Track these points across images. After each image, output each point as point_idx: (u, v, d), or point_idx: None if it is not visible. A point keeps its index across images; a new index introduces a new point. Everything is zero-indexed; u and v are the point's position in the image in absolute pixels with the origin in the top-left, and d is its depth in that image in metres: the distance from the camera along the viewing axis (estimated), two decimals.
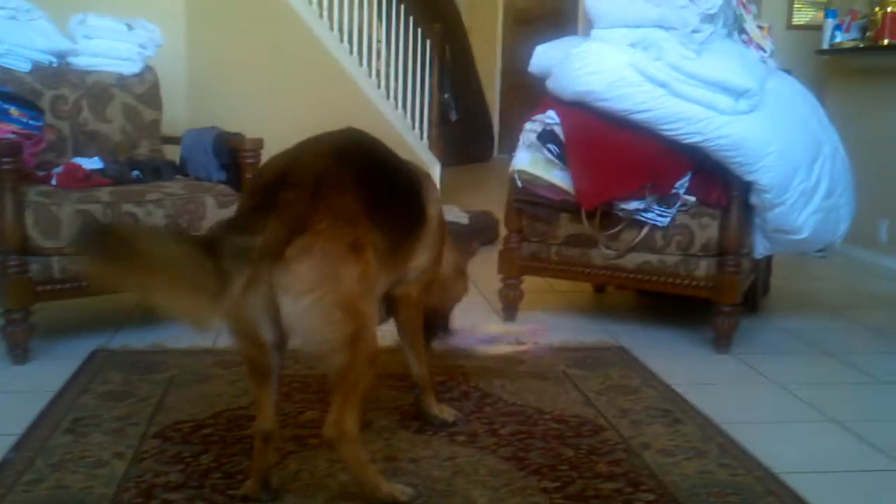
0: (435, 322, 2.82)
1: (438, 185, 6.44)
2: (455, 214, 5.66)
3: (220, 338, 3.40)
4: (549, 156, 3.63)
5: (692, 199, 3.52)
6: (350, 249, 1.98)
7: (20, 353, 3.15)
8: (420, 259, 2.44)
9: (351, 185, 2.07)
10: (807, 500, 2.23)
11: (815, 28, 6.14)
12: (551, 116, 3.66)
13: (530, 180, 3.69)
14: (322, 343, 2.00)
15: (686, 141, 3.41)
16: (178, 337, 3.34)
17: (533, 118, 3.75)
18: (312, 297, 1.92)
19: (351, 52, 6.56)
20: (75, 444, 2.43)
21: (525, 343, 3.12)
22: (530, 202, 3.77)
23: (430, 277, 2.57)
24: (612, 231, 3.62)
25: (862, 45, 5.58)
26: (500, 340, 3.07)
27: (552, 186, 3.65)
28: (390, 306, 2.51)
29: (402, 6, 6.82)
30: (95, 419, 2.62)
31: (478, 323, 3.19)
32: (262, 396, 2.13)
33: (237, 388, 2.89)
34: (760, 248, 3.69)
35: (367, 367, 2.05)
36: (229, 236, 1.86)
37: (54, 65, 3.97)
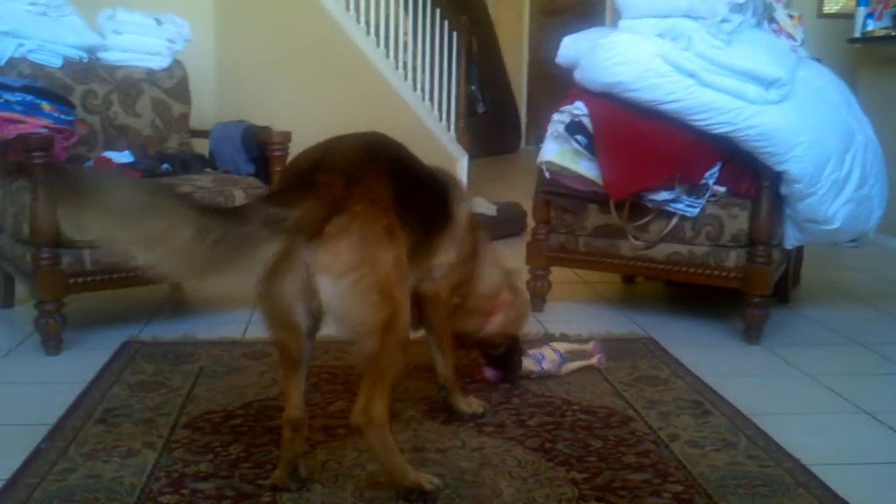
0: (512, 354, 2.88)
1: (465, 178, 6.46)
2: (483, 206, 5.66)
3: (249, 329, 3.43)
4: (578, 147, 3.62)
5: (722, 189, 3.50)
6: (386, 233, 2.00)
7: (53, 345, 3.19)
8: (446, 256, 2.44)
9: (383, 174, 2.09)
10: (837, 492, 2.21)
11: (847, 16, 6.07)
12: (579, 107, 3.65)
13: (558, 171, 3.68)
14: (357, 326, 2.00)
15: (715, 131, 3.39)
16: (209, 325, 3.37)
17: (561, 109, 3.74)
18: (352, 277, 1.94)
19: (378, 45, 6.57)
20: (107, 433, 2.46)
21: (593, 358, 3.11)
22: (558, 193, 3.76)
23: (460, 277, 2.56)
24: (640, 222, 3.60)
25: (894, 33, 5.50)
26: (571, 358, 3.07)
27: (580, 177, 3.64)
28: (419, 307, 2.50)
29: None
30: (127, 409, 2.65)
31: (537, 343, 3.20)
32: (292, 385, 2.14)
33: (266, 379, 2.91)
34: (791, 238, 3.65)
35: (397, 354, 2.05)
36: (262, 206, 1.89)
37: (84, 60, 4.00)
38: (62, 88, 3.79)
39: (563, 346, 3.11)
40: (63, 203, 1.81)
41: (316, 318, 2.05)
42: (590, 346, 3.16)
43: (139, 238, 1.73)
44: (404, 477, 2.10)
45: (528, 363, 2.97)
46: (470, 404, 2.65)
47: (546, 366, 2.99)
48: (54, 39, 3.89)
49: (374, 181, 2.04)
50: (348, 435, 2.38)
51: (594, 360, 3.10)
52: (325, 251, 1.92)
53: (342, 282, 1.94)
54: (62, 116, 3.54)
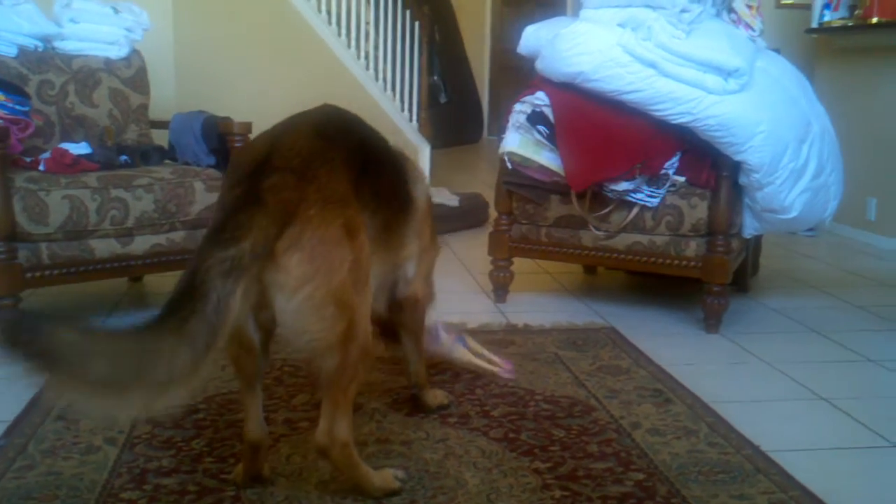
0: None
1: (427, 168, 6.46)
2: (445, 197, 5.66)
3: None
4: (539, 137, 3.63)
5: (682, 179, 3.53)
6: (344, 234, 1.91)
7: None
8: (411, 246, 2.37)
9: (338, 163, 1.98)
10: (796, 478, 2.24)
11: (804, 7, 6.14)
12: (541, 97, 3.66)
13: (520, 162, 3.69)
14: (313, 341, 1.92)
15: (675, 121, 3.42)
16: None
17: (522, 99, 3.75)
18: (306, 290, 1.85)
19: (339, 35, 6.54)
20: (67, 430, 2.43)
21: (496, 366, 2.84)
22: (520, 184, 3.76)
23: (429, 267, 2.50)
24: (602, 212, 3.62)
25: (851, 24, 5.57)
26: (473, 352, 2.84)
27: (542, 168, 3.65)
28: (396, 312, 2.47)
29: None
30: None
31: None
32: (249, 401, 2.10)
33: (228, 373, 2.87)
34: (750, 227, 3.70)
35: (360, 366, 1.99)
36: (217, 254, 1.72)
37: (40, 49, 3.93)
38: (17, 78, 3.73)
39: (472, 343, 2.84)
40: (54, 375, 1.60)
41: (268, 330, 2.00)
42: (502, 362, 2.86)
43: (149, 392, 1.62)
44: (372, 486, 2.08)
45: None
46: (436, 397, 2.65)
47: (441, 339, 2.75)
48: (8, 28, 3.81)
49: (329, 175, 1.93)
50: (312, 428, 2.37)
51: (497, 369, 2.83)
52: (277, 269, 1.82)
53: (296, 297, 1.85)
54: (17, 107, 3.49)
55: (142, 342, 1.64)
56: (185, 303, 1.67)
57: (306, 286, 1.85)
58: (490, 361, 2.84)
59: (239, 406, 2.46)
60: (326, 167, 1.94)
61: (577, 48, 3.49)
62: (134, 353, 1.62)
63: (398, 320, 2.53)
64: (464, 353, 2.80)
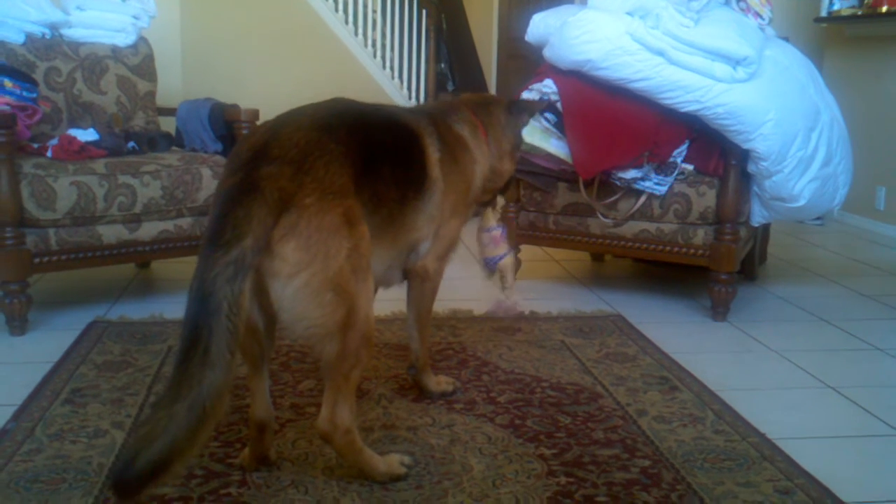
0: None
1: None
2: None
3: None
4: (547, 125, 3.62)
5: (690, 167, 3.52)
6: (341, 223, 1.91)
7: (18, 325, 3.15)
8: (424, 230, 2.35)
9: (337, 156, 1.97)
10: (802, 465, 2.24)
11: None
12: (549, 85, 3.65)
13: (528, 150, 3.67)
14: (313, 328, 1.92)
15: (684, 109, 3.40)
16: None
17: (530, 87, 3.73)
18: (303, 277, 1.86)
19: (346, 22, 6.53)
20: (74, 414, 2.44)
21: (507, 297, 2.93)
22: (528, 171, 3.75)
23: (448, 245, 2.48)
24: (609, 200, 3.62)
25: (860, 13, 5.55)
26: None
27: (550, 156, 3.64)
28: (407, 280, 2.49)
29: None
30: (94, 389, 2.62)
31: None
32: (255, 383, 2.12)
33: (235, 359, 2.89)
34: (758, 216, 3.69)
35: (361, 352, 1.99)
36: (220, 259, 1.74)
37: (48, 36, 3.93)
38: (24, 65, 3.73)
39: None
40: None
41: (272, 314, 1.98)
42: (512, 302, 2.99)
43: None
44: (377, 472, 2.08)
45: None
46: (439, 383, 2.65)
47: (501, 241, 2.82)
48: (16, 15, 3.82)
49: (327, 167, 1.92)
50: (318, 414, 2.37)
51: (504, 300, 2.94)
52: (273, 256, 1.83)
53: (292, 283, 1.85)
54: (25, 93, 3.49)
55: (186, 395, 1.69)
56: (201, 323, 1.71)
57: (302, 273, 1.86)
58: (509, 288, 2.87)
59: (244, 391, 2.46)
60: (324, 159, 1.93)
61: (585, 36, 3.48)
62: (187, 408, 1.68)
63: (408, 291, 2.52)
64: (506, 264, 2.81)
